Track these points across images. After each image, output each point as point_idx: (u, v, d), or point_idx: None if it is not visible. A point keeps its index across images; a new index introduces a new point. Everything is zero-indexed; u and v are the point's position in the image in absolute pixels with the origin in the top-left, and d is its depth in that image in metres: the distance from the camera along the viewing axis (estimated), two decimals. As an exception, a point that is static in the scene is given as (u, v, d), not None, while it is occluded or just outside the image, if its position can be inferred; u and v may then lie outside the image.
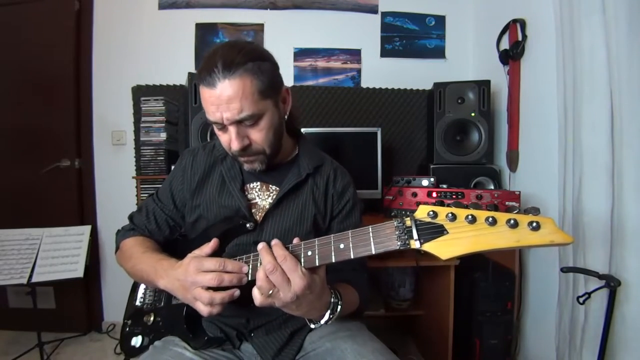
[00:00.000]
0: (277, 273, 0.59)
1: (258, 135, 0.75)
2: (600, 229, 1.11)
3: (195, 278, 0.66)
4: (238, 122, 0.72)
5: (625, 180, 1.05)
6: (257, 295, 0.61)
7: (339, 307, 0.69)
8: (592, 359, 1.08)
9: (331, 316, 0.68)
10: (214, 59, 0.69)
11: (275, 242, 0.63)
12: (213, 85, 0.68)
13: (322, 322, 0.69)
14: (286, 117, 0.83)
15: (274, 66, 0.76)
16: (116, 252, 0.91)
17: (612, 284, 0.97)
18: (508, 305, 1.46)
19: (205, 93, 0.71)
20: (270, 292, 0.60)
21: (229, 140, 0.74)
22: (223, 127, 0.74)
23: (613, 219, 1.09)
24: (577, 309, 1.19)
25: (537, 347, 1.53)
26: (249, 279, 0.68)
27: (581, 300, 1.05)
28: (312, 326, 0.70)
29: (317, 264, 0.60)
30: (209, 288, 0.66)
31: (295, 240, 0.65)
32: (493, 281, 1.45)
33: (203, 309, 0.66)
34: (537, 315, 1.54)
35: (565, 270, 1.12)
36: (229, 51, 0.70)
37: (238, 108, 0.69)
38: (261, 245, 0.63)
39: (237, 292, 0.67)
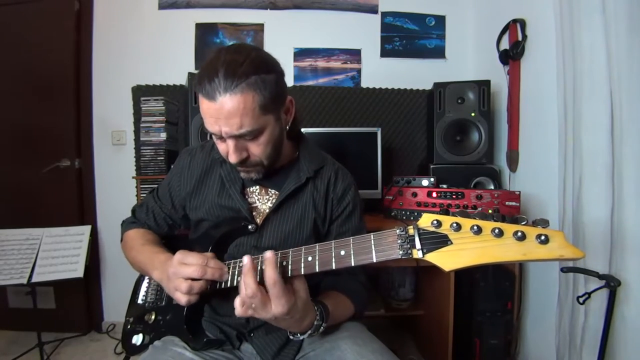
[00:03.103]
0: (257, 299, 0.59)
1: (257, 149, 0.74)
2: (600, 228, 1.11)
3: (177, 269, 0.68)
4: (237, 137, 0.70)
5: (626, 180, 1.05)
6: (237, 307, 0.61)
7: (322, 328, 0.70)
8: (592, 359, 1.08)
9: (313, 333, 0.69)
10: (215, 68, 0.65)
11: (268, 257, 0.60)
12: (213, 98, 0.65)
13: (302, 337, 0.70)
14: (288, 127, 0.81)
15: (279, 77, 0.72)
16: (121, 241, 0.95)
17: (612, 284, 0.97)
18: (508, 305, 1.46)
19: (204, 104, 0.68)
20: (252, 306, 0.61)
21: (227, 152, 0.73)
22: (221, 138, 0.72)
23: (613, 218, 1.09)
24: (577, 309, 1.19)
25: (537, 347, 1.53)
26: (235, 284, 0.69)
27: (581, 300, 1.04)
28: (291, 337, 0.71)
29: (317, 270, 0.60)
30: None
31: None
32: (493, 281, 1.45)
33: (181, 298, 0.67)
34: (537, 315, 1.54)
35: (565, 270, 1.12)
36: (232, 61, 0.66)
37: (238, 124, 0.67)
38: (247, 261, 0.61)
39: (225, 276, 0.69)
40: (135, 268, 0.88)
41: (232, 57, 0.67)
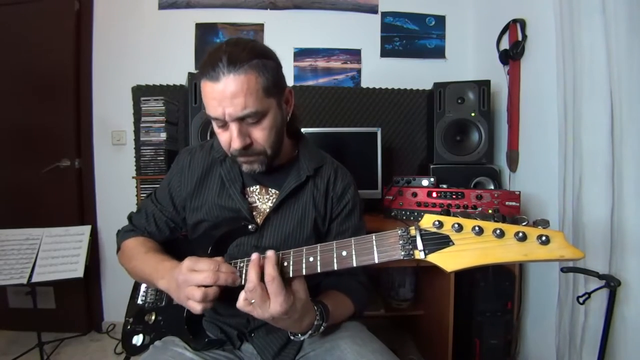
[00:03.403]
0: (256, 293, 0.60)
1: (260, 135, 0.73)
2: (600, 228, 1.11)
3: (188, 276, 0.66)
4: (240, 120, 0.70)
5: (625, 180, 1.05)
6: (240, 300, 0.62)
7: (322, 328, 0.70)
8: (592, 359, 1.08)
9: (313, 333, 0.69)
10: (219, 54, 0.67)
11: (270, 255, 0.62)
12: (217, 79, 0.66)
13: (302, 338, 0.70)
14: (288, 118, 0.81)
15: (278, 65, 0.75)
16: (117, 252, 0.92)
17: (612, 284, 0.97)
18: (508, 305, 1.46)
19: (208, 87, 0.68)
20: (253, 301, 0.61)
21: (230, 138, 0.72)
22: (224, 125, 0.72)
23: (613, 218, 1.09)
24: (577, 309, 1.19)
25: (537, 347, 1.53)
26: (243, 283, 0.68)
27: (581, 300, 1.04)
28: (292, 337, 0.71)
29: (318, 271, 0.60)
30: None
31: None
32: (493, 281, 1.45)
33: (195, 306, 0.65)
34: (537, 315, 1.54)
35: (565, 270, 1.12)
36: (234, 47, 0.69)
37: (242, 104, 0.67)
38: (254, 256, 0.63)
39: (238, 281, 0.68)
40: (137, 278, 0.86)
41: (232, 48, 0.69)
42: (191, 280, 0.65)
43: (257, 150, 0.75)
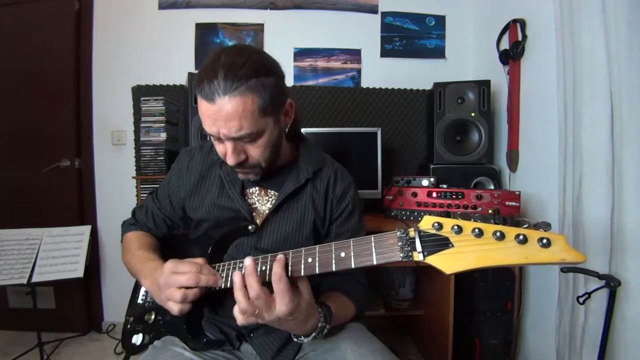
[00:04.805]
0: (261, 299, 0.59)
1: (255, 152, 0.73)
2: (600, 228, 1.11)
3: (169, 279, 0.67)
4: (235, 139, 0.70)
5: (625, 180, 1.05)
6: (238, 316, 0.61)
7: (326, 330, 0.70)
8: (592, 359, 1.08)
9: (317, 335, 0.69)
10: (215, 69, 0.64)
11: (279, 257, 0.62)
12: (212, 99, 0.65)
13: (306, 340, 0.70)
14: (287, 129, 0.80)
15: (279, 80, 0.72)
16: (122, 242, 0.95)
17: (612, 284, 0.97)
18: (508, 305, 1.46)
19: (203, 105, 0.67)
20: (256, 312, 0.60)
21: (225, 153, 0.73)
22: (219, 139, 0.72)
23: (613, 218, 1.09)
24: (577, 309, 1.19)
25: (537, 347, 1.53)
26: (228, 286, 0.69)
27: (581, 300, 1.04)
28: (295, 340, 0.71)
29: (317, 272, 0.60)
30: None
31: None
32: (493, 281, 1.45)
33: (174, 307, 0.67)
34: (537, 315, 1.54)
35: (565, 270, 1.12)
36: (232, 62, 0.65)
37: (237, 126, 0.66)
38: (248, 262, 0.61)
39: (220, 282, 0.69)
40: (130, 273, 0.87)
41: (232, 59, 0.65)
42: (172, 282, 0.66)
43: (252, 164, 0.76)
